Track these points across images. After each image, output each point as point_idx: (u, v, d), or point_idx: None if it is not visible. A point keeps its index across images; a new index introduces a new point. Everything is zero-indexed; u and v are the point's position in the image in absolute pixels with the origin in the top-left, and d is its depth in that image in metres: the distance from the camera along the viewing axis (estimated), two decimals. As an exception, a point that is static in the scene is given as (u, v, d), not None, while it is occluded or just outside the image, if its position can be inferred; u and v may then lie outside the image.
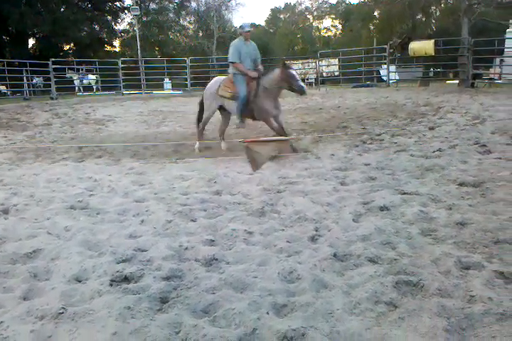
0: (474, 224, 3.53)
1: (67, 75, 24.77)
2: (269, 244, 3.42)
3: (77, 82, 26.25)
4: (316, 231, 3.64)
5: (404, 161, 5.83)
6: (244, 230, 3.67)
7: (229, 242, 3.49)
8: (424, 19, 42.99)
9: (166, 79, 28.17)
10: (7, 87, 22.46)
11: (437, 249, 3.14)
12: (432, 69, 26.56)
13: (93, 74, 26.61)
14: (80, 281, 2.89)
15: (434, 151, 6.29)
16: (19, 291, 2.74)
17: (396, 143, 7.15)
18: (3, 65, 20.53)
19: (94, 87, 26.53)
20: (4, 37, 36.16)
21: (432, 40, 19.75)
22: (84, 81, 26.65)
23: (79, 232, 3.67)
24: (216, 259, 3.17)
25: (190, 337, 2.22)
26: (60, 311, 2.46)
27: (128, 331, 2.27)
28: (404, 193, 4.46)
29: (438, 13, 43.84)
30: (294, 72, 6.69)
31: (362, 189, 4.72)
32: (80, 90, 25.59)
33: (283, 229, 3.72)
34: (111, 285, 2.80)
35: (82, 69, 27.30)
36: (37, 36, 38.06)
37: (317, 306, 2.45)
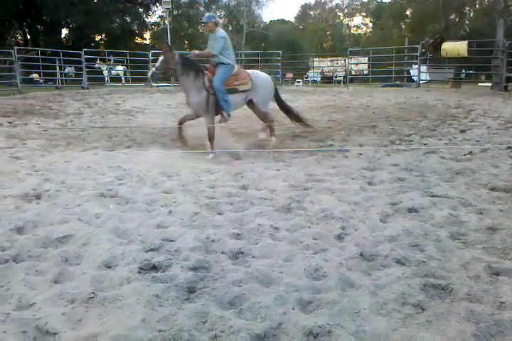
0: (505, 230, 3.46)
1: (96, 65, 25.09)
2: (295, 240, 3.43)
3: (105, 73, 26.59)
4: (343, 229, 3.63)
5: (433, 163, 5.75)
6: (271, 225, 3.67)
7: (255, 237, 3.51)
8: (457, 19, 42.17)
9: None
10: (40, 76, 22.91)
11: (467, 253, 3.10)
12: (463, 71, 26.07)
13: (122, 66, 26.89)
14: (109, 267, 2.95)
15: (464, 154, 6.19)
16: (51, 275, 2.81)
17: (426, 144, 7.06)
18: (37, 54, 20.94)
19: (123, 78, 26.83)
20: (38, 26, 36.89)
21: (466, 41, 19.38)
22: (113, 72, 26.94)
23: (108, 220, 3.74)
24: (242, 253, 3.19)
25: (216, 328, 2.25)
26: (91, 296, 2.51)
27: (156, 318, 2.31)
28: (434, 196, 4.40)
29: (472, 14, 42.94)
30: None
31: (390, 189, 4.68)
32: (107, 81, 25.92)
33: (309, 226, 3.71)
34: (139, 272, 2.84)
35: (110, 60, 27.62)
36: (70, 26, 38.76)
37: (343, 304, 2.45)
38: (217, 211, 4.08)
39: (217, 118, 6.94)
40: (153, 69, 6.62)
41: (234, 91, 6.80)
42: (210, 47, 6.85)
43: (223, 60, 6.76)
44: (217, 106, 6.77)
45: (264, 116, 7.28)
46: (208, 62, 7.01)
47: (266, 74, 7.41)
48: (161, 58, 6.59)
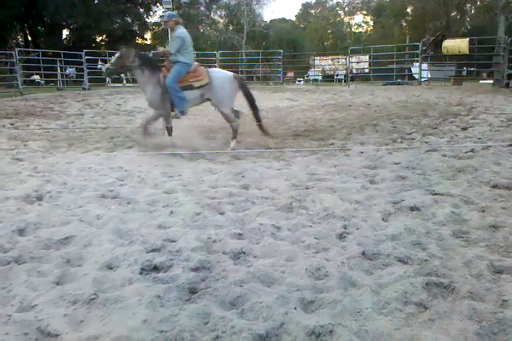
0: (508, 228, 3.45)
1: (98, 66, 25.11)
2: (296, 239, 3.42)
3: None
4: (345, 228, 3.62)
5: (435, 161, 5.73)
6: (272, 225, 3.67)
7: (257, 236, 3.50)
8: (458, 17, 42.10)
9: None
10: (41, 77, 22.96)
11: (469, 251, 3.08)
12: (465, 68, 26.00)
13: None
14: (111, 268, 2.95)
15: (466, 152, 6.17)
16: (53, 276, 2.81)
17: (427, 142, 7.04)
18: (38, 55, 20.99)
19: (124, 79, 26.84)
20: (39, 27, 36.96)
21: (467, 39, 19.35)
22: None
23: (110, 221, 3.74)
24: (244, 253, 3.19)
25: (218, 328, 2.25)
26: (92, 297, 2.51)
27: (158, 319, 2.30)
28: (436, 194, 4.38)
29: (473, 11, 42.84)
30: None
31: (392, 188, 4.67)
32: (109, 82, 25.92)
33: (311, 226, 3.71)
34: (141, 273, 2.84)
35: (111, 61, 27.62)
36: (71, 27, 38.81)
37: (345, 304, 2.44)
38: (219, 211, 4.08)
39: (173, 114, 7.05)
40: (108, 65, 6.66)
41: (189, 87, 6.81)
42: (169, 45, 6.92)
43: (180, 59, 6.78)
44: (171, 103, 6.86)
45: (226, 117, 7.13)
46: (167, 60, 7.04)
47: (230, 74, 7.18)
48: (116, 55, 6.65)
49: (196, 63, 7.07)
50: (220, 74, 7.06)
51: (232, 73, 7.25)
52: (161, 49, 7.15)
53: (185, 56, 6.81)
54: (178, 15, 7.27)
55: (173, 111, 6.97)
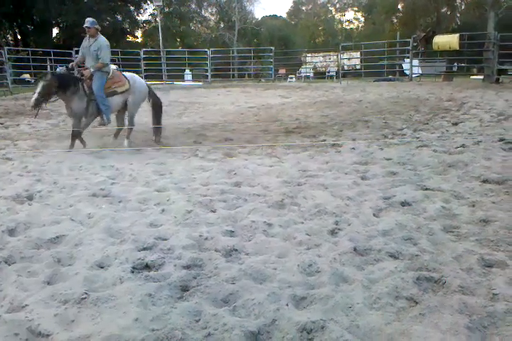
0: (498, 222, 3.47)
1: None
2: (288, 236, 3.42)
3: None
4: (336, 224, 3.63)
5: (426, 157, 5.76)
6: (264, 222, 3.67)
7: (248, 233, 3.50)
8: (449, 13, 42.24)
9: (187, 70, 28.22)
10: (31, 76, 22.77)
11: (460, 246, 3.10)
12: (455, 64, 26.09)
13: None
14: (102, 267, 2.94)
15: (457, 147, 6.20)
16: (43, 276, 2.80)
17: (418, 138, 7.07)
18: (28, 54, 20.81)
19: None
20: (29, 26, 36.62)
21: (457, 34, 19.44)
22: None
23: (101, 219, 3.72)
24: (236, 250, 3.19)
25: (210, 326, 2.24)
26: (83, 296, 2.50)
27: (149, 318, 2.30)
28: (427, 189, 4.41)
29: (463, 7, 42.99)
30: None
31: (383, 183, 4.69)
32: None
33: (303, 222, 3.71)
34: (132, 272, 2.83)
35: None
36: (60, 26, 38.47)
37: (337, 299, 2.44)
38: (211, 208, 4.07)
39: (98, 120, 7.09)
40: (36, 96, 6.31)
41: (113, 93, 6.91)
42: (96, 54, 6.78)
43: (105, 68, 6.83)
44: (98, 110, 6.87)
45: (131, 119, 7.32)
46: (83, 67, 6.98)
47: (141, 79, 7.57)
48: (40, 84, 6.35)
49: (112, 68, 7.14)
50: (138, 79, 7.35)
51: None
52: (87, 71, 6.79)
53: (109, 63, 6.93)
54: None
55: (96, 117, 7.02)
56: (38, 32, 35.63)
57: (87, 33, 6.87)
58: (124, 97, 7.08)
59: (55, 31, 39.70)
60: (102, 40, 6.87)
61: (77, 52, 20.69)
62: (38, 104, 6.39)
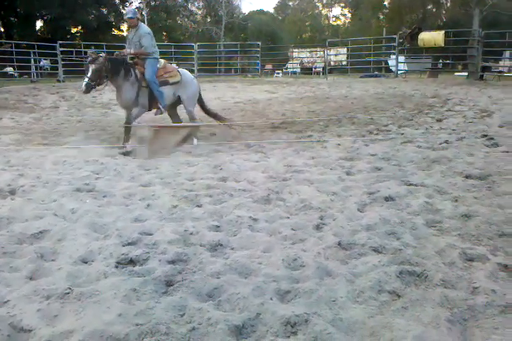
0: (479, 217, 3.52)
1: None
2: (274, 231, 3.44)
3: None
4: (321, 219, 3.65)
5: (410, 152, 5.81)
6: (250, 217, 3.67)
7: (234, 228, 3.50)
8: (434, 10, 42.53)
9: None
10: (14, 69, 22.41)
11: (442, 240, 3.15)
12: (441, 61, 26.33)
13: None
14: (86, 263, 2.92)
15: (441, 143, 6.27)
16: (26, 271, 2.77)
17: (403, 134, 7.12)
18: (11, 47, 20.44)
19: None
20: (12, 18, 36.02)
21: (442, 31, 19.59)
22: None
23: (85, 214, 3.70)
24: (221, 245, 3.19)
25: (194, 320, 2.25)
26: (66, 291, 2.48)
27: (133, 312, 2.29)
28: (410, 184, 4.45)
29: (449, 4, 43.31)
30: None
31: (367, 179, 4.72)
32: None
33: (288, 217, 3.73)
34: (116, 267, 2.82)
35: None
36: (45, 18, 37.92)
37: (320, 293, 2.46)
38: (196, 203, 4.07)
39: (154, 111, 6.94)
40: (86, 80, 6.18)
41: (165, 83, 6.77)
42: (140, 44, 6.64)
43: (153, 55, 6.73)
44: (150, 100, 6.72)
45: (191, 115, 7.22)
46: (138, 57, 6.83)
47: (191, 74, 7.43)
48: (91, 68, 6.19)
49: (162, 60, 7.00)
50: (188, 73, 7.21)
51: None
52: (127, 51, 6.74)
53: (155, 51, 6.78)
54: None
55: (150, 109, 6.86)
56: (21, 24, 35.07)
57: (130, 24, 6.74)
58: (174, 89, 6.87)
59: (39, 24, 39.14)
60: (143, 29, 6.73)
61: (61, 45, 20.46)
62: (89, 90, 6.27)
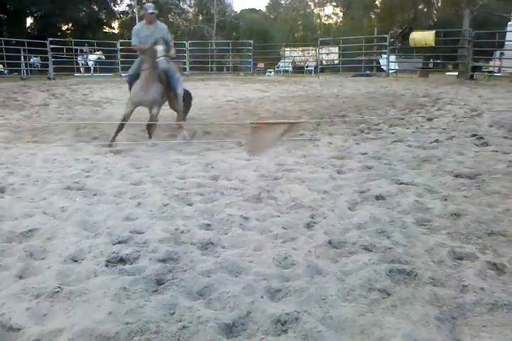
0: (469, 216, 3.55)
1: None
2: (264, 229, 3.44)
3: (81, 63, 25.77)
4: (312, 218, 3.66)
5: (401, 151, 5.85)
6: (241, 215, 3.67)
7: (225, 227, 3.50)
8: (425, 9, 42.77)
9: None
10: (4, 66, 22.21)
11: (431, 238, 3.17)
12: (431, 61, 26.49)
13: (96, 55, 26.02)
14: (75, 261, 2.90)
15: (431, 142, 6.31)
16: (15, 269, 2.74)
17: (394, 133, 7.16)
18: (1, 44, 20.26)
19: (92, 68, 26.19)
20: (2, 15, 35.67)
21: (433, 31, 19.72)
22: (89, 62, 26.01)
23: (75, 213, 3.67)
24: (212, 243, 3.19)
25: (184, 319, 2.24)
26: (56, 290, 2.47)
27: (123, 311, 2.28)
28: (401, 183, 4.48)
29: (440, 4, 43.59)
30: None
31: (358, 178, 4.74)
32: (80, 71, 25.27)
33: (279, 216, 3.73)
34: (107, 265, 2.81)
35: (83, 50, 26.86)
36: (35, 15, 37.59)
37: (311, 291, 2.47)
38: (187, 202, 4.06)
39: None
40: (163, 53, 6.00)
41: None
42: (165, 39, 6.41)
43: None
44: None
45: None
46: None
47: None
48: (160, 48, 6.03)
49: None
50: None
51: None
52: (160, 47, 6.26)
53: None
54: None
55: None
56: (11, 21, 34.72)
57: (149, 19, 6.55)
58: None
59: (29, 21, 38.79)
60: (163, 24, 6.70)
61: (51, 42, 20.30)
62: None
